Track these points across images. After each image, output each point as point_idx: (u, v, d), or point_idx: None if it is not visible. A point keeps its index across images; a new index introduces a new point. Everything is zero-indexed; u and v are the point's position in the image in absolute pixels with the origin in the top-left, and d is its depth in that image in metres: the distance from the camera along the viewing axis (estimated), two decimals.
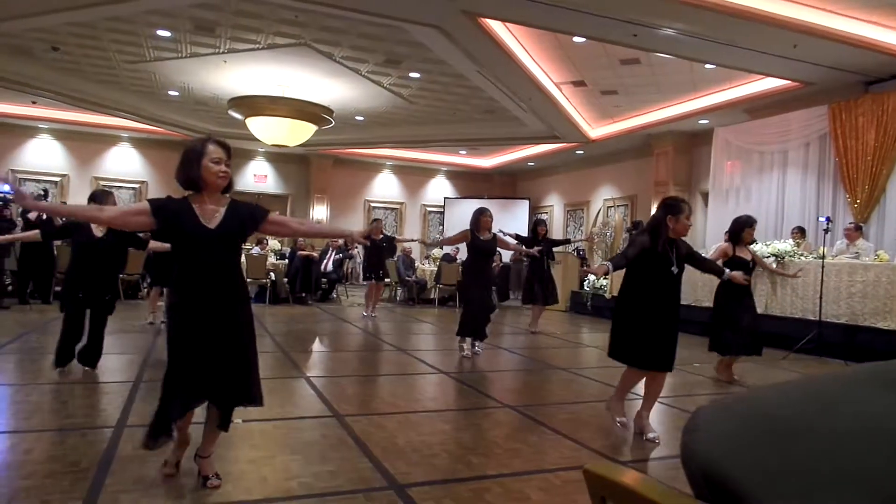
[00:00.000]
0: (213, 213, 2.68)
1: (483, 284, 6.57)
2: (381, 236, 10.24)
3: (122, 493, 2.51)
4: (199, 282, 2.59)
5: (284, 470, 2.89)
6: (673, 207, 3.69)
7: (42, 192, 10.03)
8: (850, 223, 8.24)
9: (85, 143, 14.88)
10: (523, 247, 8.39)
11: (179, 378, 2.56)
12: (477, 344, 6.51)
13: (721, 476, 0.54)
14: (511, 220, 17.06)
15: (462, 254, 14.21)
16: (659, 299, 3.69)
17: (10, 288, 9.29)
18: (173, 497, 2.50)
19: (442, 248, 11.79)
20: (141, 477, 2.68)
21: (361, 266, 11.07)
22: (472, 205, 18.54)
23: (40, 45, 9.63)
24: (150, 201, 2.66)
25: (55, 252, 9.65)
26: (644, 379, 3.83)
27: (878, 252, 7.40)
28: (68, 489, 2.51)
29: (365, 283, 10.67)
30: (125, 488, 2.55)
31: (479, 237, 6.38)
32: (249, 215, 2.79)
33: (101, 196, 4.71)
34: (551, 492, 2.73)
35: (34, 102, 12.53)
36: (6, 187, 8.97)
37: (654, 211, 12.55)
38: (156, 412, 2.59)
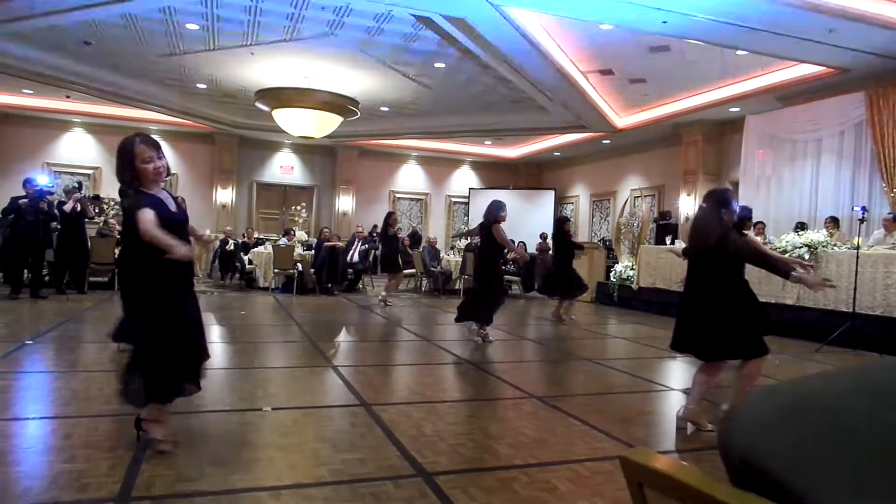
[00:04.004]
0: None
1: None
2: (394, 229, 10.38)
3: (158, 477, 2.57)
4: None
5: (314, 457, 2.94)
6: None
7: (76, 185, 10.27)
8: (890, 213, 8.02)
9: (116, 136, 14.92)
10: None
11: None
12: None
13: (761, 465, 0.53)
14: (536, 211, 16.98)
15: None
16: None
17: (47, 278, 9.54)
18: (206, 482, 2.56)
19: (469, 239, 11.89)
20: (175, 462, 2.75)
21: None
22: (498, 195, 18.60)
23: (73, 39, 9.82)
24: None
25: (89, 243, 9.89)
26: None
27: None
28: (106, 473, 2.58)
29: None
30: (160, 473, 2.62)
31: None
32: None
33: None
34: (579, 482, 2.73)
35: (68, 97, 12.81)
36: (43, 179, 9.20)
37: (683, 201, 12.34)
38: None
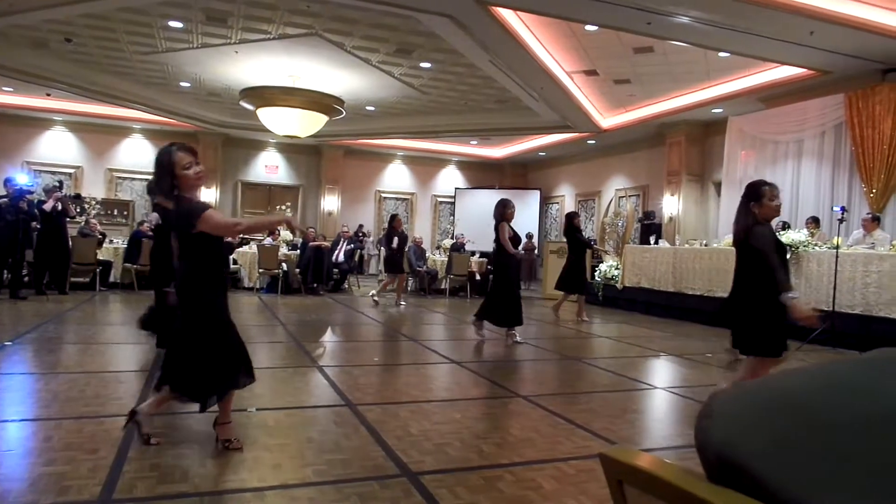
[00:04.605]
0: None
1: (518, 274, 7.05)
2: (401, 230, 10.44)
3: (140, 479, 2.55)
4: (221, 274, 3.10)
5: (299, 457, 2.93)
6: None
7: (57, 184, 10.12)
8: (868, 214, 8.15)
9: (98, 135, 15.01)
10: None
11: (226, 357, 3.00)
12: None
13: (736, 461, 0.54)
14: (523, 210, 17.03)
15: (470, 246, 14.23)
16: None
17: (26, 279, 9.40)
18: (189, 483, 2.54)
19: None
20: (157, 463, 2.72)
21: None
22: (483, 195, 18.56)
23: (55, 37, 9.70)
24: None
25: (70, 243, 9.76)
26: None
27: (893, 242, 7.31)
28: (87, 475, 2.56)
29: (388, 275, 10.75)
30: (142, 475, 2.60)
31: (511, 228, 6.77)
32: None
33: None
34: (564, 481, 2.74)
35: (48, 95, 12.64)
36: (22, 178, 9.07)
37: (667, 201, 12.42)
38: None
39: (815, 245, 7.74)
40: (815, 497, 0.50)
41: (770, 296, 3.63)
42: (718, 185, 11.79)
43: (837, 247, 7.04)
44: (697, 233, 11.80)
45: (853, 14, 7.10)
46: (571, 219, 9.16)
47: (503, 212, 6.72)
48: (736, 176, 11.11)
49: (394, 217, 10.70)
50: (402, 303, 10.33)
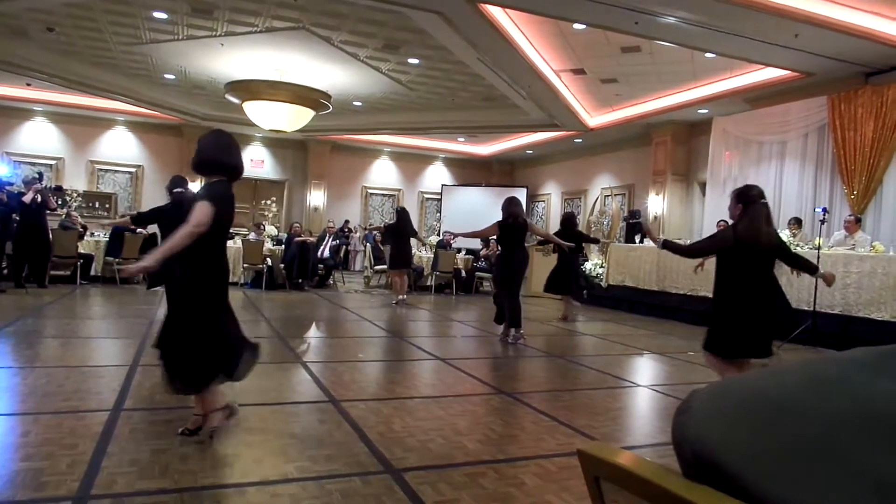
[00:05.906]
0: None
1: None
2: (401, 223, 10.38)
3: (119, 474, 2.52)
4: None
5: (281, 454, 2.91)
6: None
7: (36, 175, 9.95)
8: (850, 215, 8.25)
9: (80, 127, 14.78)
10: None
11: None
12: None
13: (712, 457, 0.54)
14: None
15: (457, 243, 14.25)
16: None
17: (5, 271, 9.26)
18: (169, 479, 2.51)
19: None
20: (137, 459, 2.70)
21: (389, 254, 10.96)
22: (470, 192, 18.53)
23: (36, 26, 9.54)
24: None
25: (51, 236, 9.61)
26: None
27: (873, 243, 7.42)
28: (65, 471, 2.52)
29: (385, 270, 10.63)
30: (122, 470, 2.57)
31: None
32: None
33: (181, 181, 5.50)
34: (546, 477, 2.75)
35: (29, 85, 12.43)
36: (2, 169, 8.93)
37: (652, 200, 12.50)
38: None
39: (797, 245, 7.82)
40: (790, 494, 0.50)
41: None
42: (703, 185, 11.88)
43: (819, 247, 7.13)
44: (682, 232, 11.88)
45: (837, 17, 7.17)
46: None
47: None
48: (720, 176, 11.20)
49: (401, 209, 10.70)
50: (404, 296, 10.17)
